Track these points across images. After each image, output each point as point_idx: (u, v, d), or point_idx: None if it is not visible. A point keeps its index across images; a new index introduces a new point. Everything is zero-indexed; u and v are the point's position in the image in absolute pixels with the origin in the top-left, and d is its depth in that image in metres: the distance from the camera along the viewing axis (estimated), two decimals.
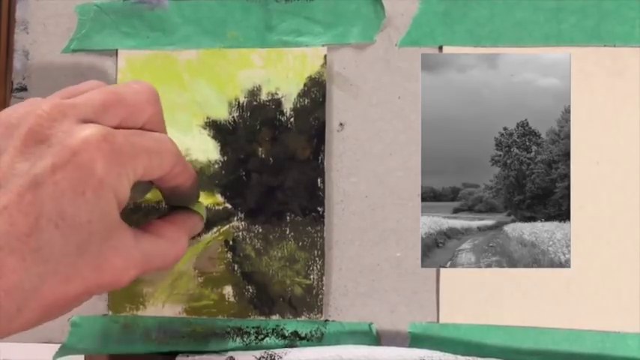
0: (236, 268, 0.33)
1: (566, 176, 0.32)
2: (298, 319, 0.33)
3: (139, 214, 0.33)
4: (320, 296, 0.33)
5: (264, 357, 0.32)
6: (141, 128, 0.25)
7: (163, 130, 0.26)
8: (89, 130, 0.22)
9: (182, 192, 0.28)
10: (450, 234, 0.33)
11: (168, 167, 0.25)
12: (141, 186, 0.28)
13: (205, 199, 0.34)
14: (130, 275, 0.24)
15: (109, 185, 0.22)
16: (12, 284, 0.20)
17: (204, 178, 0.34)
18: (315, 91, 0.34)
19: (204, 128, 0.34)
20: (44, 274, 0.21)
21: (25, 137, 0.21)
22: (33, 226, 0.20)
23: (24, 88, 0.35)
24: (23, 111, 0.22)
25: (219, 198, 0.34)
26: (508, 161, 0.33)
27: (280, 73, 0.34)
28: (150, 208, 0.34)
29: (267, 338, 0.33)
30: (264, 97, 0.34)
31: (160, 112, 0.26)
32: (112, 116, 0.23)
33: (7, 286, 0.20)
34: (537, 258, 0.32)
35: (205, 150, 0.34)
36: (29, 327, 0.21)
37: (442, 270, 0.32)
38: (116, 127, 0.23)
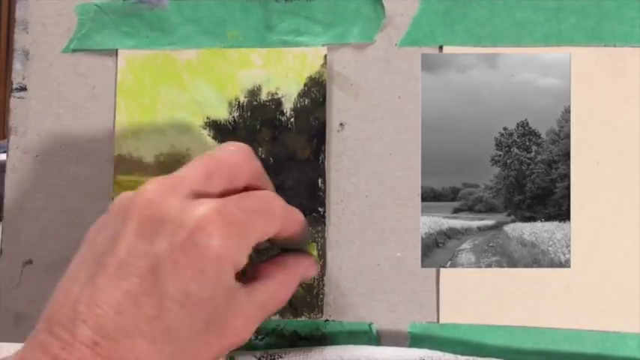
0: None
1: (566, 176, 0.32)
2: (298, 319, 0.33)
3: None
4: (320, 296, 0.33)
5: (264, 357, 0.32)
6: (245, 188, 0.25)
7: (267, 186, 0.26)
8: (203, 207, 0.22)
9: (293, 240, 0.27)
10: (450, 234, 0.33)
11: (279, 223, 0.25)
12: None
13: None
14: (251, 329, 0.24)
15: (227, 259, 0.22)
16: None
17: None
18: (315, 91, 0.34)
19: (204, 128, 0.34)
20: (174, 353, 0.21)
21: (140, 218, 0.22)
22: (159, 307, 0.21)
23: (24, 88, 0.35)
24: (133, 194, 0.23)
25: None
26: (508, 161, 0.33)
27: (280, 73, 0.34)
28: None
29: (267, 338, 0.33)
30: (264, 97, 0.34)
31: (259, 168, 0.26)
32: (217, 182, 0.24)
33: None
34: (537, 258, 0.32)
35: (205, 150, 0.34)
36: None
37: (442, 270, 0.32)
38: (222, 193, 0.24)
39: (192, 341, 0.21)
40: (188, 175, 0.24)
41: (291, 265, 0.27)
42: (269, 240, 0.26)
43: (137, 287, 0.21)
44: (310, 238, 0.30)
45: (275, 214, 0.25)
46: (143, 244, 0.21)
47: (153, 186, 0.22)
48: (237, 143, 0.26)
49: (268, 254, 0.29)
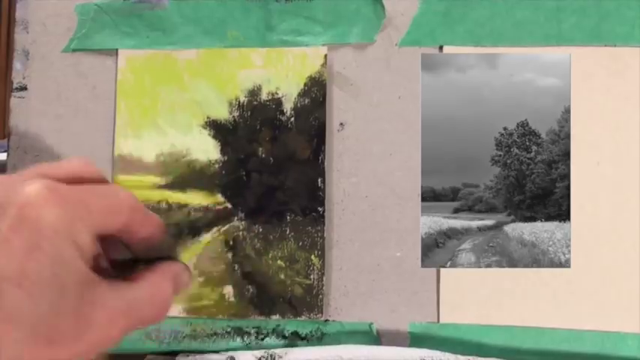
0: (236, 268, 0.33)
1: (566, 176, 0.32)
2: (298, 319, 0.33)
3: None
4: (320, 296, 0.33)
5: (264, 357, 0.32)
6: None
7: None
8: (34, 185, 0.21)
9: (152, 245, 0.26)
10: (450, 234, 0.33)
11: (127, 211, 0.24)
12: (119, 250, 0.27)
13: (205, 199, 0.34)
14: (120, 327, 0.23)
15: (65, 233, 0.21)
16: None
17: (205, 177, 0.34)
18: (315, 91, 0.34)
19: (205, 128, 0.34)
20: (22, 339, 0.20)
21: None
22: None
23: (24, 88, 0.35)
24: None
25: (220, 198, 0.34)
26: (508, 161, 0.33)
27: (280, 72, 0.34)
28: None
29: (267, 338, 0.33)
30: (264, 96, 0.34)
31: (100, 173, 0.25)
32: (54, 178, 0.23)
33: None
34: (537, 258, 0.32)
35: (205, 150, 0.34)
36: None
37: (442, 270, 0.32)
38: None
39: (41, 326, 0.20)
40: (25, 172, 0.23)
41: (160, 269, 0.26)
42: (131, 250, 0.26)
43: None
44: (175, 247, 0.29)
45: (120, 200, 0.24)
46: None
47: None
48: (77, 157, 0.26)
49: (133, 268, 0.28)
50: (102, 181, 0.25)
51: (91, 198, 0.23)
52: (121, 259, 0.27)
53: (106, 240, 0.24)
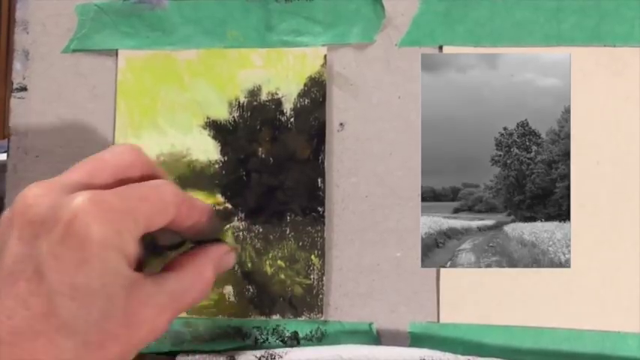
0: (236, 268, 0.33)
1: (566, 176, 0.32)
2: (298, 319, 0.33)
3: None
4: (320, 296, 0.33)
5: (264, 357, 0.32)
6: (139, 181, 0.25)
7: (162, 177, 0.26)
8: (77, 199, 0.22)
9: (200, 229, 0.27)
10: (450, 234, 0.33)
11: (173, 209, 0.24)
12: (168, 235, 0.28)
13: (205, 199, 0.34)
14: (165, 320, 0.24)
15: (110, 246, 0.22)
16: None
17: (205, 178, 0.34)
18: (315, 91, 0.34)
19: (205, 128, 0.34)
20: (76, 346, 0.21)
21: (21, 225, 0.22)
22: (48, 304, 0.21)
23: (24, 88, 0.35)
24: (14, 202, 0.23)
25: (220, 198, 0.34)
26: (508, 161, 0.33)
27: (280, 73, 0.34)
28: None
29: (268, 338, 0.33)
30: (264, 97, 0.34)
31: (149, 162, 0.26)
32: (100, 180, 0.24)
33: None
34: (537, 258, 0.32)
35: (205, 150, 0.34)
36: None
37: (442, 270, 0.32)
38: (107, 187, 0.23)
39: (93, 333, 0.21)
40: (68, 175, 0.24)
41: (202, 255, 0.27)
42: (180, 234, 0.27)
43: (24, 290, 0.21)
44: (222, 229, 0.30)
45: (165, 200, 0.24)
46: (25, 248, 0.21)
47: (31, 190, 0.23)
48: (124, 144, 0.26)
49: (182, 249, 0.28)
50: (150, 172, 0.25)
51: (136, 205, 0.23)
52: (170, 243, 0.28)
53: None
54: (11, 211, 0.23)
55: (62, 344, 0.21)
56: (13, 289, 0.21)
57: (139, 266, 0.24)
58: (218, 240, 0.29)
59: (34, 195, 0.22)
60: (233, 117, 0.34)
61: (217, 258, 0.27)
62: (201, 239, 0.28)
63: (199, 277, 0.26)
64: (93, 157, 0.24)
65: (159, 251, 0.28)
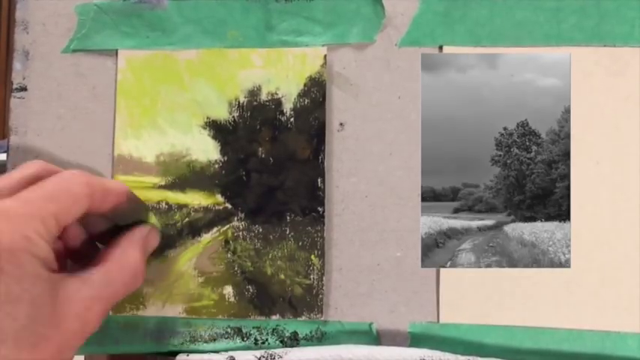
0: (236, 268, 0.33)
1: (566, 176, 0.32)
2: (298, 319, 0.33)
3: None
4: (320, 296, 0.33)
5: (264, 357, 0.32)
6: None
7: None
8: None
9: (121, 212, 0.27)
10: (450, 234, 0.33)
11: (85, 199, 0.25)
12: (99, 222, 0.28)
13: (205, 199, 0.34)
14: (95, 313, 0.24)
15: (21, 251, 0.22)
16: None
17: (204, 178, 0.34)
18: (315, 91, 0.34)
19: (204, 128, 0.34)
20: (8, 352, 0.21)
21: None
22: None
23: (24, 88, 0.35)
24: None
25: (219, 198, 0.34)
26: (508, 161, 0.33)
27: (280, 73, 0.34)
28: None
29: (267, 338, 0.33)
30: (264, 97, 0.34)
31: (55, 169, 0.26)
32: (5, 191, 0.24)
33: None
34: (537, 258, 0.32)
35: (205, 150, 0.34)
36: None
37: (442, 270, 0.32)
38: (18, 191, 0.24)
39: (24, 337, 0.22)
40: None
41: (125, 240, 0.27)
42: (107, 220, 0.27)
43: None
44: (146, 209, 0.31)
45: (75, 192, 0.24)
46: None
47: None
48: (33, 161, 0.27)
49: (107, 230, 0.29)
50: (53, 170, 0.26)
51: (41, 205, 0.23)
52: (104, 230, 0.28)
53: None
54: None
55: None
56: None
57: (64, 264, 0.25)
58: (143, 222, 0.29)
59: None
60: (233, 117, 0.34)
61: (140, 240, 0.28)
62: (127, 221, 0.28)
63: (125, 264, 0.26)
64: None
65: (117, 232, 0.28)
